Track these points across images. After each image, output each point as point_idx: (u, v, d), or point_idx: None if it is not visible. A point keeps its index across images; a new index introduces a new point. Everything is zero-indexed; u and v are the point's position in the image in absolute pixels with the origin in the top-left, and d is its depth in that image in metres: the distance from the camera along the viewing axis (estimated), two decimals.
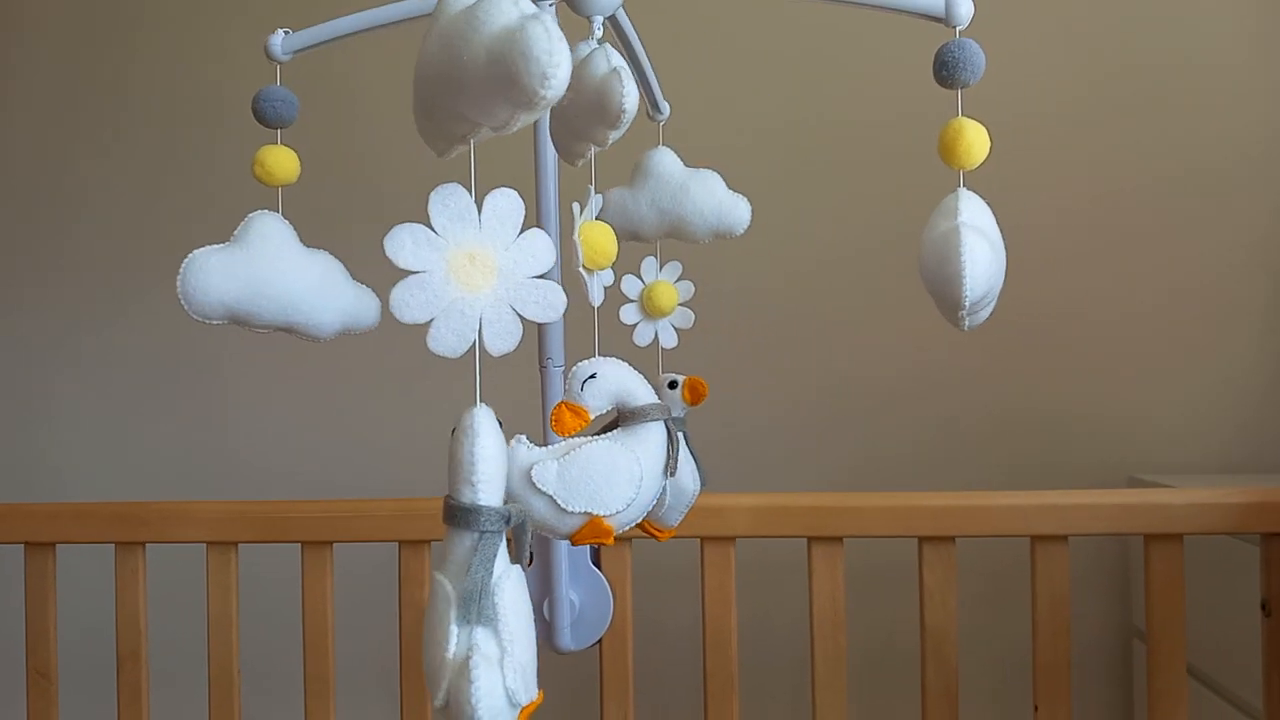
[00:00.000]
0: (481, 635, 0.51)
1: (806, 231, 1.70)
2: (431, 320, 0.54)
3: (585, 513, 0.73)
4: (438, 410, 1.77)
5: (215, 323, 0.75)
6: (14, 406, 1.91)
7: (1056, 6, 1.66)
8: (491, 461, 0.54)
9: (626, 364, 0.75)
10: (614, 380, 0.73)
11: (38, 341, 1.91)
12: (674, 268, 0.90)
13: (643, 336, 0.90)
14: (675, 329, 0.91)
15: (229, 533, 1.24)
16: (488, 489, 0.54)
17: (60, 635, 1.29)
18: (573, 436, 0.73)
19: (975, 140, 0.67)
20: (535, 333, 1.15)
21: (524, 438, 0.72)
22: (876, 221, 1.67)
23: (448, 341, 0.54)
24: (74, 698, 1.42)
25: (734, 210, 0.87)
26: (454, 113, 0.51)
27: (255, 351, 1.81)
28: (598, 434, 0.74)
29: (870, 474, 1.66)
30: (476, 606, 0.51)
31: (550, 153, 1.10)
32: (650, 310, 0.90)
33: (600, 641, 1.18)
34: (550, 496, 0.71)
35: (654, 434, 0.76)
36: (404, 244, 0.54)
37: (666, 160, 0.87)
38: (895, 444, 1.65)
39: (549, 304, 0.56)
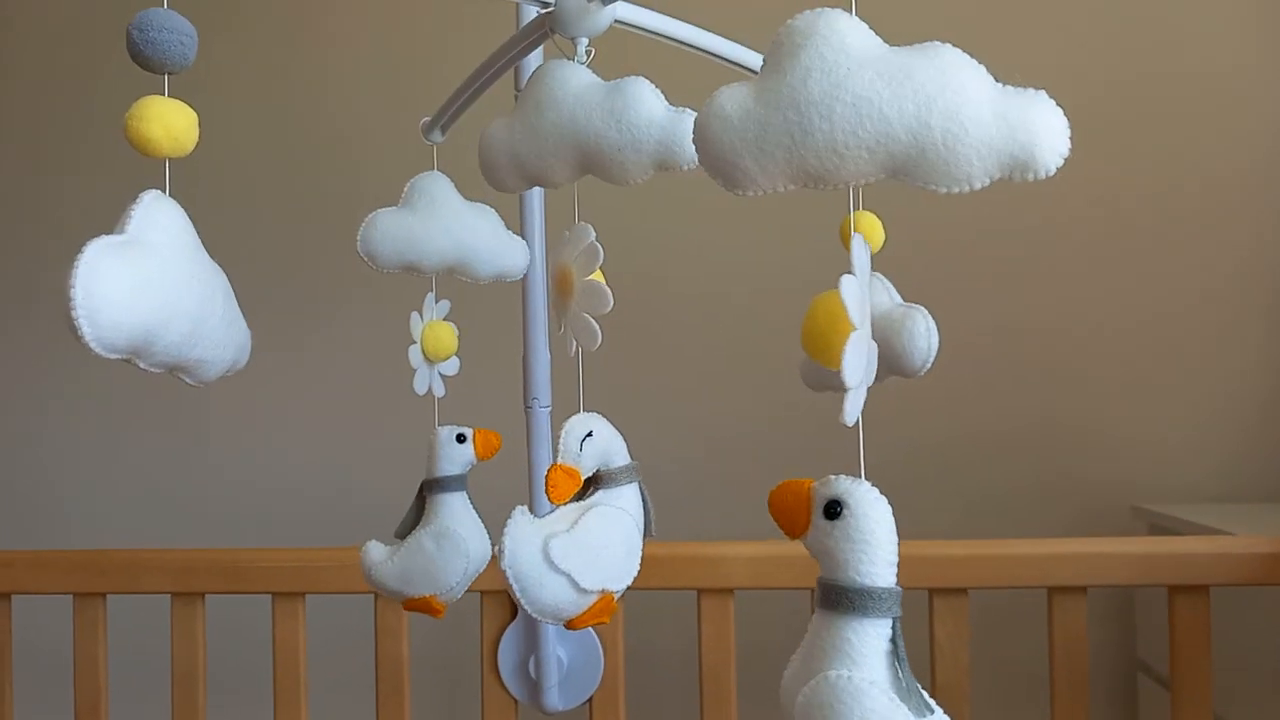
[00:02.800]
0: None
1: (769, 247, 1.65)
2: None
3: (601, 590, 0.66)
4: (412, 458, 1.70)
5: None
6: None
7: (1054, 15, 1.61)
8: None
9: (604, 418, 0.69)
10: (604, 439, 0.67)
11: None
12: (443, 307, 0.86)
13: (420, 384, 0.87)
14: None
15: (195, 583, 1.17)
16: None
17: (18, 690, 1.21)
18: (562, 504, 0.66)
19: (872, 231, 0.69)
20: (520, 373, 1.08)
21: (524, 509, 0.65)
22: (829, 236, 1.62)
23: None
24: None
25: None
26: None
27: (223, 391, 1.73)
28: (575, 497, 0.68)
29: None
30: (919, 700, 0.46)
31: None
32: (429, 354, 0.86)
33: (590, 701, 1.11)
34: (568, 575, 0.64)
35: (631, 497, 0.69)
36: None
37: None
38: (883, 468, 1.58)
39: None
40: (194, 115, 0.54)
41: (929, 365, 0.69)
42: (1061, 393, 1.61)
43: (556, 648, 1.09)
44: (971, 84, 0.45)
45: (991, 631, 1.42)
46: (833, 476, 0.49)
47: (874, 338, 0.67)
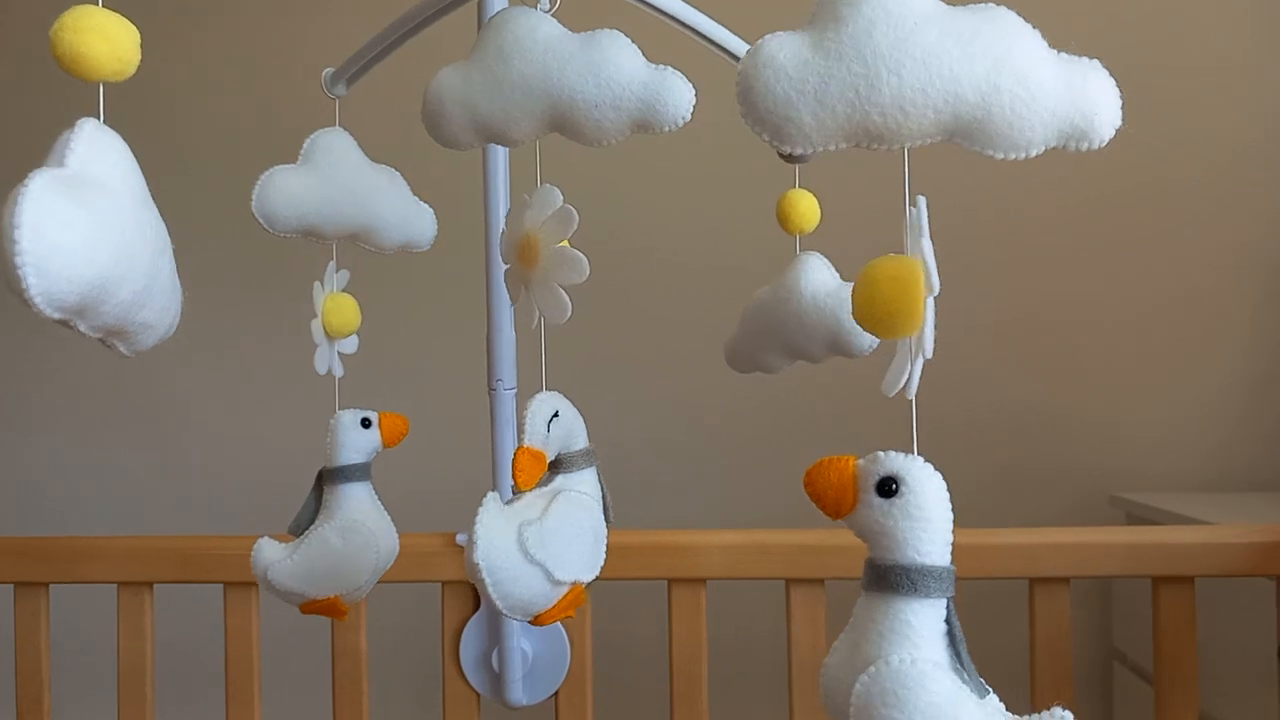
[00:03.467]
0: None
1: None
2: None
3: (573, 581, 0.62)
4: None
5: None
6: None
7: (1048, 7, 1.58)
8: None
9: (564, 397, 0.65)
10: (568, 420, 0.63)
11: None
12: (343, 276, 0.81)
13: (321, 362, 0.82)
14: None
15: (143, 572, 1.11)
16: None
17: None
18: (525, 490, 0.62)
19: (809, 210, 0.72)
20: (485, 354, 1.04)
21: (495, 496, 0.60)
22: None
23: None
24: None
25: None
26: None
27: (193, 377, 1.68)
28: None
29: None
30: (978, 681, 0.45)
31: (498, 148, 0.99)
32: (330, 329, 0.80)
33: (556, 695, 1.06)
34: (543, 566, 0.60)
35: (591, 482, 0.65)
36: None
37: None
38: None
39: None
40: (136, 31, 0.46)
41: (875, 345, 0.68)
42: (1040, 382, 1.58)
43: (521, 640, 1.05)
44: (1038, 48, 0.44)
45: (970, 622, 1.39)
46: (882, 453, 0.47)
47: (820, 316, 0.65)
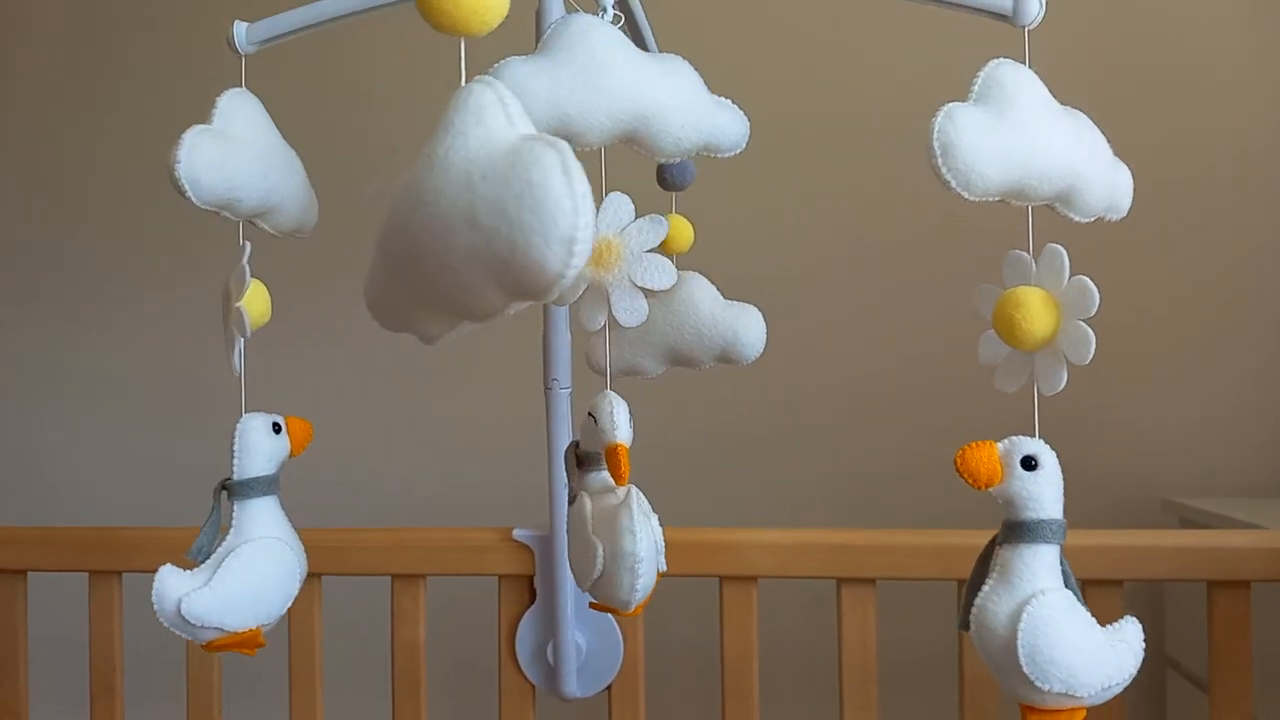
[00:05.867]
0: None
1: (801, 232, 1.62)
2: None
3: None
4: (427, 435, 1.69)
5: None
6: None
7: (1052, 8, 1.57)
8: None
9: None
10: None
11: (26, 350, 1.83)
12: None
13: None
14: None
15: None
16: None
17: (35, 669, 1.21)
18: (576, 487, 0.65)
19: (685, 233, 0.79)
20: (540, 353, 1.06)
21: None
22: (870, 217, 1.60)
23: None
24: None
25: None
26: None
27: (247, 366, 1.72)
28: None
29: (887, 496, 1.56)
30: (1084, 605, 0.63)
31: None
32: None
33: (609, 688, 1.08)
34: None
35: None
36: None
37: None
38: (910, 456, 1.56)
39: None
40: None
41: (759, 354, 0.78)
42: (1091, 384, 1.57)
43: (575, 633, 1.07)
44: (1103, 140, 0.66)
45: None
46: (1018, 438, 0.65)
47: (717, 329, 0.71)
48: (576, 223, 0.36)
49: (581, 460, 0.72)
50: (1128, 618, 0.65)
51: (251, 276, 0.72)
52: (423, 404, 1.72)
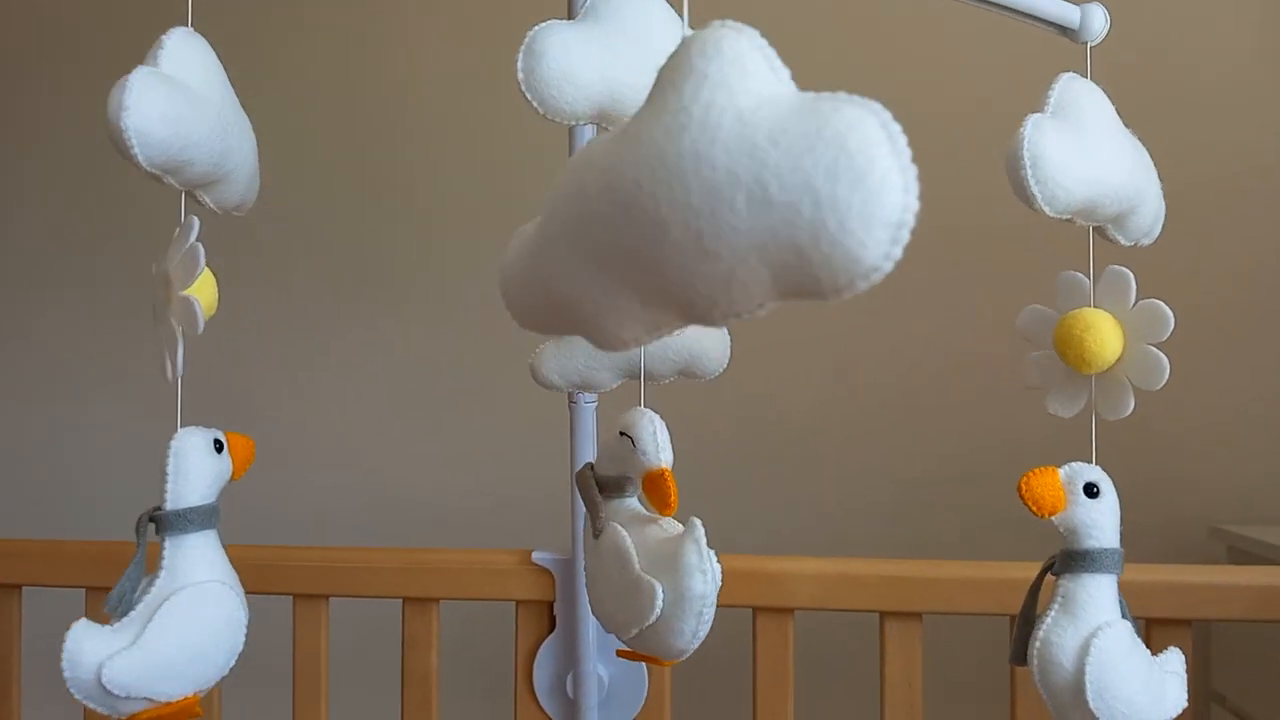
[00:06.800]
0: None
1: None
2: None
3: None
4: (442, 449, 1.63)
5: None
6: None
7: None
8: None
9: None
10: None
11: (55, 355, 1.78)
12: None
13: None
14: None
15: None
16: None
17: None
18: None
19: None
20: None
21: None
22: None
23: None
24: None
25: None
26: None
27: (247, 379, 1.67)
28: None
29: (926, 512, 1.49)
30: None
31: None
32: None
33: None
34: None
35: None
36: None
37: None
38: (931, 473, 1.50)
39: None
40: None
41: (721, 370, 0.74)
42: (1136, 408, 1.50)
43: (597, 665, 1.00)
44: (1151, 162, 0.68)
45: None
46: (1077, 464, 0.65)
47: (683, 344, 0.70)
48: (907, 203, 0.28)
49: (601, 486, 0.65)
50: (1171, 648, 0.67)
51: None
52: (439, 417, 1.66)
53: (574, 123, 0.48)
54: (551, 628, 1.03)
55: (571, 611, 1.00)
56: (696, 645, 0.58)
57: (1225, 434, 1.51)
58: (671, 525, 0.60)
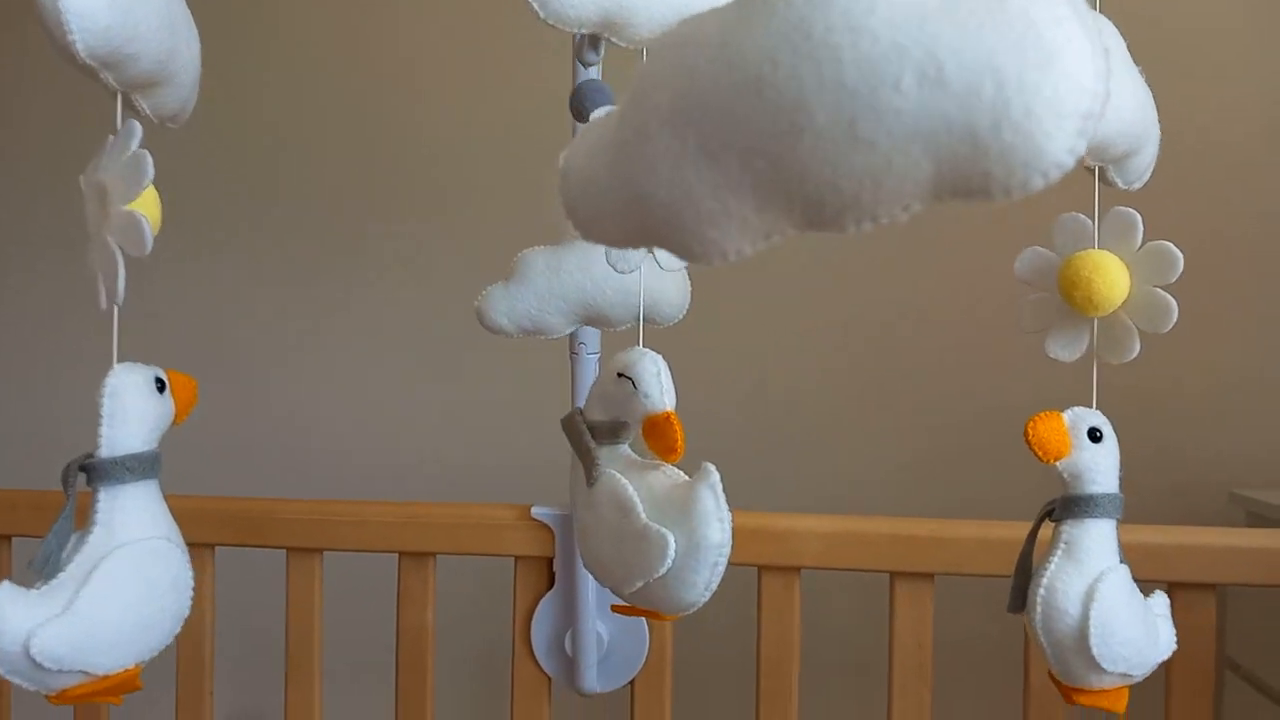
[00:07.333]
0: None
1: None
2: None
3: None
4: (442, 409, 1.60)
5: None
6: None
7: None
8: None
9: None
10: None
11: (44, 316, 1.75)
12: None
13: None
14: None
15: (204, 533, 1.06)
16: None
17: None
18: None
19: None
20: None
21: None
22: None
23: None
24: None
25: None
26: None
27: (248, 332, 1.63)
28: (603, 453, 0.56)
29: (938, 483, 1.46)
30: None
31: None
32: None
33: (632, 683, 0.99)
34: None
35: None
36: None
37: None
38: (949, 443, 1.46)
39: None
40: None
41: (680, 318, 0.71)
42: (1155, 371, 1.46)
43: (597, 623, 0.97)
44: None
45: None
46: (1078, 409, 0.63)
47: (636, 289, 0.65)
48: (1098, 91, 0.24)
49: (593, 432, 0.61)
50: (1157, 591, 0.66)
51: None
52: (439, 370, 1.62)
53: (575, 29, 0.43)
54: (550, 584, 1.00)
55: (571, 568, 0.97)
56: (708, 598, 0.54)
57: (1243, 398, 1.47)
58: (674, 472, 0.57)
